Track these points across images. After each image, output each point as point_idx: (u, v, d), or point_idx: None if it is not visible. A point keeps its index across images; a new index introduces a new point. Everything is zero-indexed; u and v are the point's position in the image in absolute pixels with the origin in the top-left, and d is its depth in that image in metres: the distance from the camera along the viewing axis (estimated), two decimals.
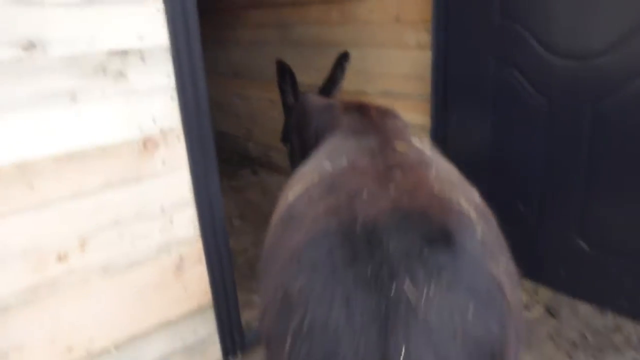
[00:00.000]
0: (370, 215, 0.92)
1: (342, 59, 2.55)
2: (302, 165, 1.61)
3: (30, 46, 1.51)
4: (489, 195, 1.21)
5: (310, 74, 3.79)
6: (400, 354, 0.80)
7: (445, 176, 1.14)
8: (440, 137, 2.84)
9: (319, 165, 1.35)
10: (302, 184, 1.29)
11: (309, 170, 1.39)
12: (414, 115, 3.06)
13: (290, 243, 1.01)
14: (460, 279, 0.86)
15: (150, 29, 1.70)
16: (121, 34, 1.65)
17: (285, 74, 2.44)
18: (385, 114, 1.77)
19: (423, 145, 1.45)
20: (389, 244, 0.86)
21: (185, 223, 1.93)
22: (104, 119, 1.67)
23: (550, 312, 2.43)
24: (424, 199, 0.99)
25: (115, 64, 1.66)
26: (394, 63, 3.09)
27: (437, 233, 0.90)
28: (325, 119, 2.01)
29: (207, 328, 2.08)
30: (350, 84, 3.43)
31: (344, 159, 1.29)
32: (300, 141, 2.32)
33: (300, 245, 0.97)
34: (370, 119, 1.70)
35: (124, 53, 1.67)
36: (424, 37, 2.86)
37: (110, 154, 1.70)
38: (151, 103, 1.76)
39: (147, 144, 1.78)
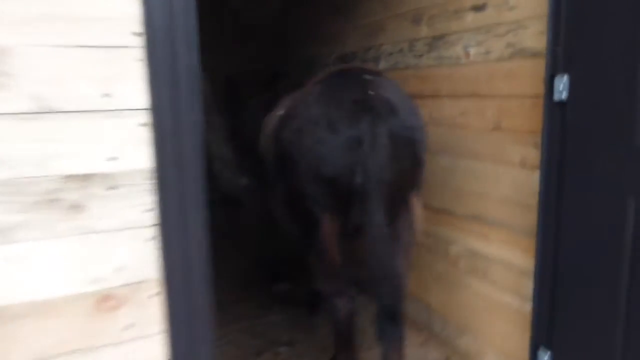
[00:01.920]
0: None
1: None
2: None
3: None
4: None
5: None
6: (377, 136, 1.90)
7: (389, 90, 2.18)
8: (547, 291, 2.07)
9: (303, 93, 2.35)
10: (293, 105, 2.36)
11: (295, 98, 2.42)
12: (511, 252, 2.32)
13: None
14: (401, 112, 2.06)
15: (126, 148, 1.26)
16: (84, 153, 1.22)
17: None
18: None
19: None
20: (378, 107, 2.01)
21: None
22: (43, 266, 1.21)
23: None
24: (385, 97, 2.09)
25: (70, 192, 1.22)
26: (491, 182, 2.41)
27: (389, 107, 2.03)
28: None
29: None
30: (434, 199, 2.80)
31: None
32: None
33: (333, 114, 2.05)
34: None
35: (85, 178, 1.23)
36: (532, 153, 2.17)
37: (47, 314, 1.23)
38: (117, 246, 1.28)
39: (105, 302, 1.28)
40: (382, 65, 3.14)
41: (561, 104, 1.97)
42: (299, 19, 4.34)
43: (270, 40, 4.88)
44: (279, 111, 2.47)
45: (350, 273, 2.24)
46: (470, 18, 2.39)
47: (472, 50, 2.41)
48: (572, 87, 1.93)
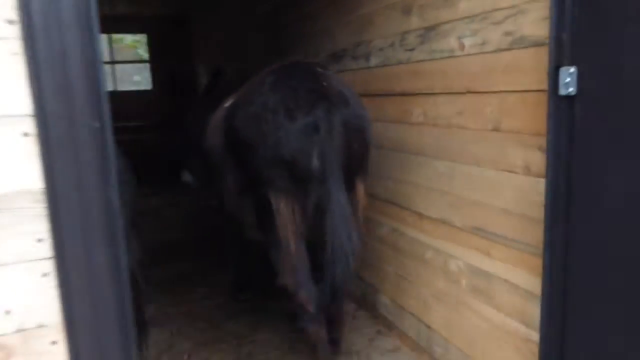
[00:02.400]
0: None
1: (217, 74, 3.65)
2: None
3: None
4: None
5: (386, 185, 2.94)
6: (333, 123, 2.03)
7: (339, 83, 2.29)
8: (555, 319, 1.76)
9: (256, 84, 2.31)
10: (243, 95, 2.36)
11: (245, 91, 2.39)
12: (516, 272, 2.02)
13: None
14: (352, 103, 2.18)
15: (5, 164, 1.01)
16: None
17: None
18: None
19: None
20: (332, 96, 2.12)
21: None
22: None
23: None
24: (338, 89, 2.20)
25: None
26: (491, 190, 2.11)
27: (342, 97, 2.15)
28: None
29: None
30: (432, 209, 2.52)
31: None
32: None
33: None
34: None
35: None
36: (537, 157, 1.87)
37: None
38: (2, 285, 1.04)
39: None
40: (373, 61, 2.85)
41: (568, 99, 1.67)
42: (290, 17, 4.09)
43: (262, 40, 4.65)
44: (226, 103, 2.48)
45: (310, 260, 2.26)
46: (463, 4, 2.10)
47: (467, 41, 2.12)
48: (581, 80, 1.64)
